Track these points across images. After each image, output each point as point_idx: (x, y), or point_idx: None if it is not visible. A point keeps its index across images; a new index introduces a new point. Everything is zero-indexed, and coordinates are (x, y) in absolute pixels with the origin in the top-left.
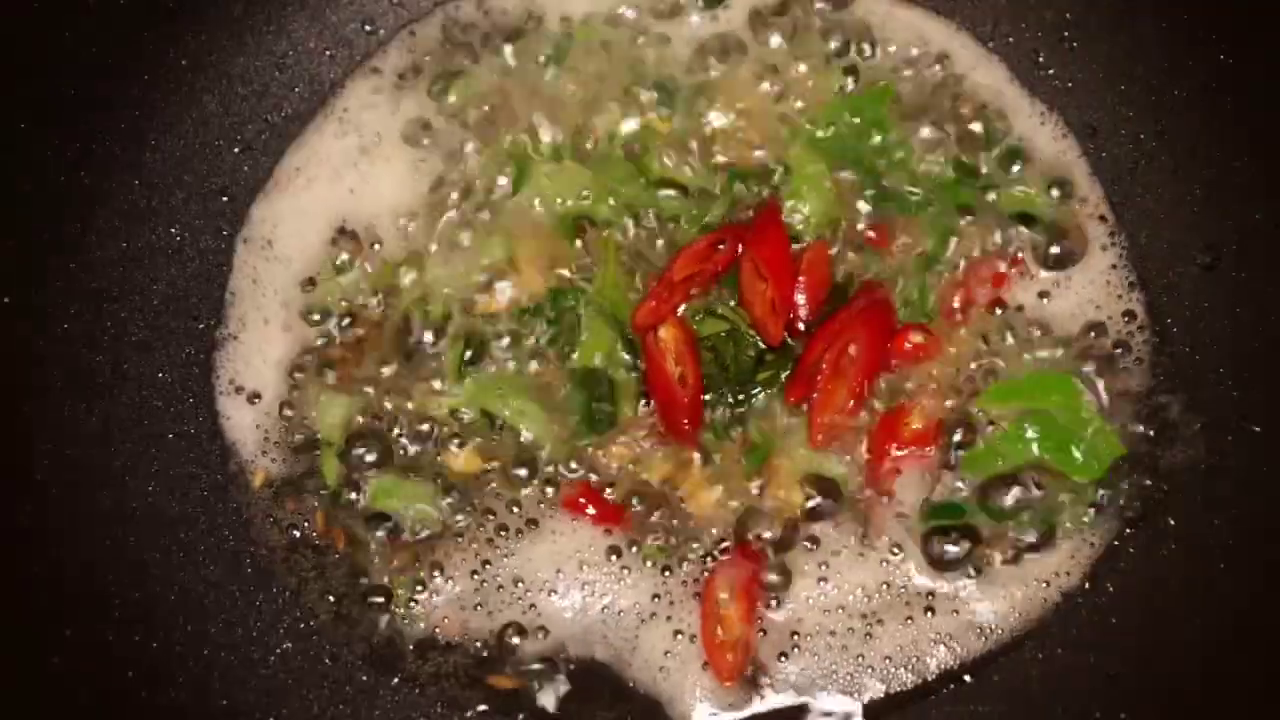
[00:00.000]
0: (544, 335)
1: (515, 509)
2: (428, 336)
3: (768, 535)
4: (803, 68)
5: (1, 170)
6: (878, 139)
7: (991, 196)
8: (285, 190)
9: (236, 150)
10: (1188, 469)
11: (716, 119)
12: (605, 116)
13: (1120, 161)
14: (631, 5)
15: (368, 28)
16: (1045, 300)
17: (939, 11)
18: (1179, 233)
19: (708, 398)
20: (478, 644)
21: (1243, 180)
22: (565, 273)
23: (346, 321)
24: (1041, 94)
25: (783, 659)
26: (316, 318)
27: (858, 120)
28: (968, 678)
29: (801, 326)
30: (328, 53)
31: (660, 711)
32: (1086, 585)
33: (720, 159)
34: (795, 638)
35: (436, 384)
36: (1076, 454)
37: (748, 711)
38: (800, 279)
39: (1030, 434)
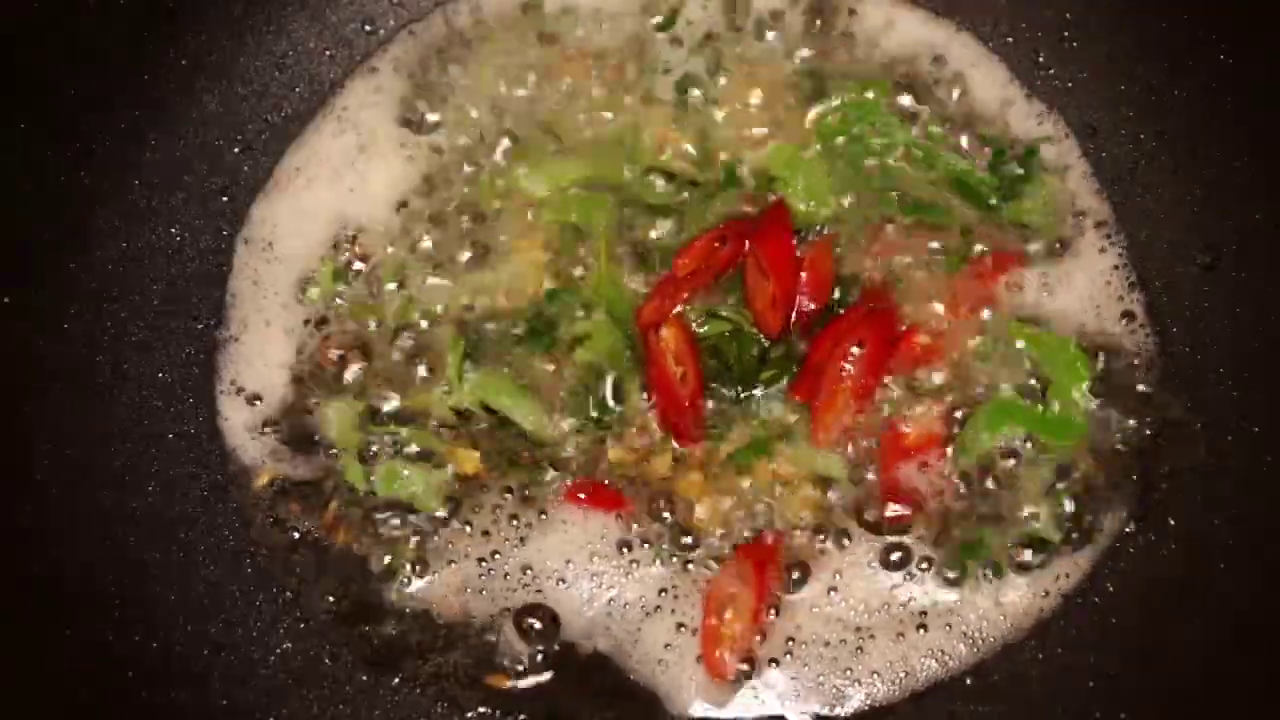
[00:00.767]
0: (544, 334)
1: (525, 501)
2: (428, 337)
3: (776, 535)
4: (799, 66)
5: (1, 170)
6: (875, 140)
7: (993, 200)
8: (285, 190)
9: (236, 150)
10: (1188, 469)
11: (714, 113)
12: (601, 109)
13: (1120, 161)
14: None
15: (368, 28)
16: (1046, 299)
17: (939, 12)
18: (1179, 233)
19: (710, 396)
20: (475, 629)
21: (1243, 180)
22: (564, 272)
23: (346, 323)
24: (1041, 94)
25: (773, 665)
26: (317, 320)
27: (853, 118)
28: (968, 678)
29: (804, 321)
30: (328, 53)
31: (657, 707)
32: (1086, 585)
33: (721, 156)
34: (791, 644)
35: (438, 383)
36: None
37: (743, 712)
38: (803, 274)
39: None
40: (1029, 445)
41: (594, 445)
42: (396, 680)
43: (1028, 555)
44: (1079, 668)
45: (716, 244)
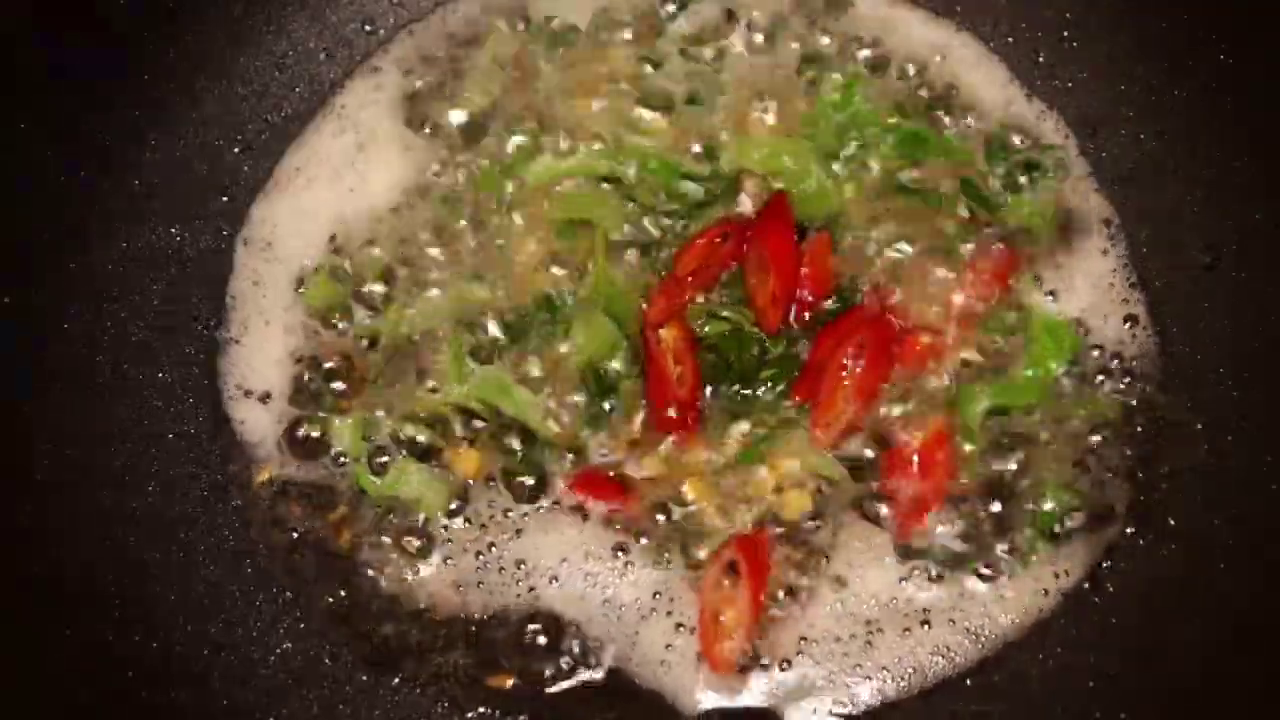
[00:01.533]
0: (543, 333)
1: (523, 497)
2: (428, 336)
3: (778, 531)
4: (797, 67)
5: (1, 170)
6: (871, 130)
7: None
8: (285, 190)
9: (236, 150)
10: (1188, 469)
11: (714, 112)
12: (602, 106)
13: (1120, 161)
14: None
15: (368, 28)
16: (1046, 299)
17: (939, 12)
18: (1179, 233)
19: (709, 396)
20: (476, 629)
21: (1243, 180)
22: (563, 271)
23: (346, 325)
24: (1041, 94)
25: (786, 665)
26: (318, 321)
27: (850, 115)
28: (968, 679)
29: (806, 317)
30: (327, 53)
31: (658, 707)
32: (1086, 585)
33: (722, 154)
34: (803, 642)
35: (438, 383)
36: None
37: (749, 701)
38: (803, 269)
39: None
40: (1032, 442)
41: (593, 444)
42: (396, 680)
43: (1029, 549)
44: (1079, 668)
45: (718, 240)
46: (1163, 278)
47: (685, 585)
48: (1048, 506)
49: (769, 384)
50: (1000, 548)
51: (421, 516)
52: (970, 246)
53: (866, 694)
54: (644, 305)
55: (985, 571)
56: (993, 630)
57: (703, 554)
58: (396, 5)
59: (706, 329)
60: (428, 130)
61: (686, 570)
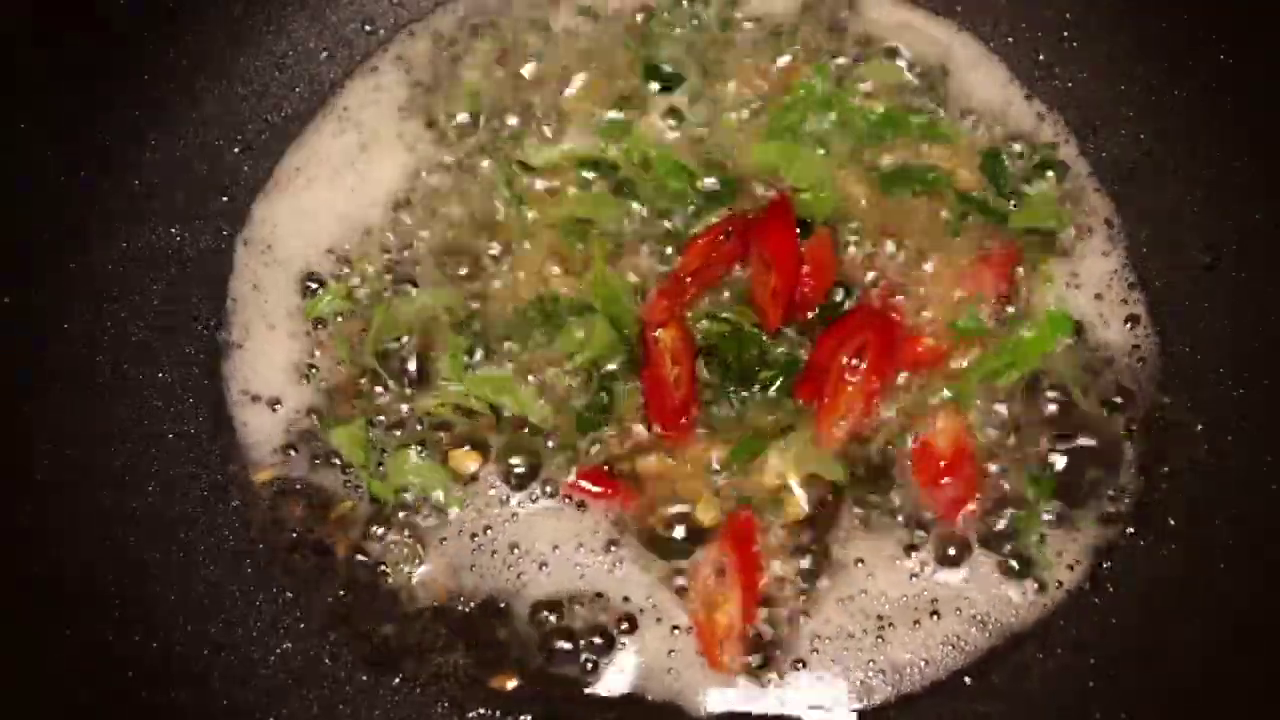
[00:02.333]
0: (543, 332)
1: (522, 496)
2: (428, 336)
3: (783, 531)
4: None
5: (1, 170)
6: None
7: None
8: (285, 190)
9: (236, 150)
10: (1188, 469)
11: (715, 112)
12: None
13: (1120, 161)
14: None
15: (368, 28)
16: (1047, 299)
17: (939, 11)
18: (1179, 233)
19: (708, 396)
20: (473, 623)
21: (1243, 180)
22: (563, 270)
23: (348, 324)
24: (1041, 94)
25: (798, 666)
26: (319, 321)
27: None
28: (968, 678)
29: (807, 315)
30: (327, 53)
31: (659, 707)
32: (1086, 585)
33: (722, 153)
34: (816, 641)
35: (438, 382)
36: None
37: (763, 702)
38: (805, 267)
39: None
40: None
41: (591, 443)
42: (396, 680)
43: (1028, 554)
44: (1079, 668)
45: (720, 238)
46: (1163, 278)
47: (682, 582)
48: (1046, 507)
49: (768, 385)
50: (1005, 548)
51: (421, 516)
52: (973, 240)
53: (880, 688)
54: (643, 305)
55: (991, 566)
56: (1000, 620)
57: (699, 554)
58: (396, 5)
59: (706, 329)
60: (429, 130)
61: (679, 570)
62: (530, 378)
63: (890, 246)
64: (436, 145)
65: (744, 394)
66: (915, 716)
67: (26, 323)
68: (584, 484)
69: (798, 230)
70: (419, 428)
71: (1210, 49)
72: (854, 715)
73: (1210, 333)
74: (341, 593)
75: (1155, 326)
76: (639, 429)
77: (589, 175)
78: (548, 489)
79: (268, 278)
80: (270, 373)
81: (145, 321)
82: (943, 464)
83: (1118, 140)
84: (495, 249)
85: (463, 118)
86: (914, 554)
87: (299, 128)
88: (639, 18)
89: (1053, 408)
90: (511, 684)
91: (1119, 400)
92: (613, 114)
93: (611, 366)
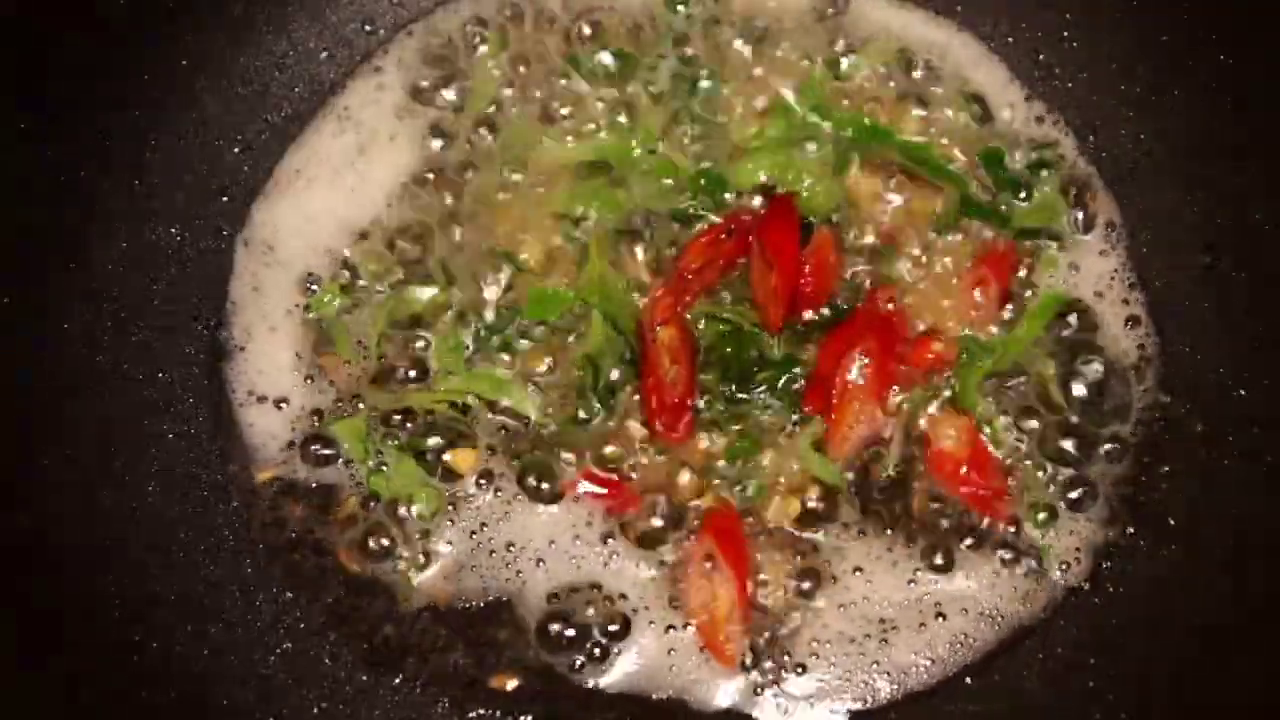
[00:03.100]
0: (541, 330)
1: (520, 495)
2: (427, 335)
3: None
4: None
5: (1, 170)
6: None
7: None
8: (286, 191)
9: (236, 150)
10: (1188, 469)
11: (714, 112)
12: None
13: (1120, 161)
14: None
15: (368, 28)
16: (1055, 281)
17: (939, 11)
18: (1179, 233)
19: (707, 396)
20: (473, 623)
21: (1243, 180)
22: (562, 269)
23: (348, 324)
24: (1041, 94)
25: (799, 670)
26: (319, 320)
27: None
28: (968, 679)
29: (809, 315)
30: (328, 53)
31: (660, 707)
32: (1086, 585)
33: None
34: (815, 644)
35: (437, 381)
36: None
37: (761, 703)
38: (806, 266)
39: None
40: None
41: (590, 442)
42: (396, 680)
43: (1033, 537)
44: (1079, 668)
45: (722, 236)
46: (1163, 278)
47: (672, 583)
48: (1045, 509)
49: (766, 385)
50: (1005, 548)
51: (421, 517)
52: (973, 241)
53: (882, 688)
54: (641, 304)
55: (991, 567)
56: (1000, 620)
57: (685, 547)
58: (396, 5)
59: (705, 329)
60: (428, 130)
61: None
62: (528, 376)
63: (890, 248)
64: (436, 145)
65: (743, 394)
66: (916, 716)
67: (26, 323)
68: (586, 485)
69: (799, 230)
70: (418, 424)
71: (1210, 49)
72: (854, 715)
73: (1210, 333)
74: (341, 593)
75: (1155, 326)
76: (638, 429)
77: (588, 174)
78: (544, 486)
79: (268, 278)
80: (273, 372)
81: (145, 321)
82: (963, 468)
83: (1118, 140)
84: (495, 248)
85: (463, 117)
86: (914, 554)
87: (299, 128)
88: (639, 17)
89: (1052, 408)
90: (511, 684)
91: (1119, 400)
92: (613, 114)
93: (610, 365)
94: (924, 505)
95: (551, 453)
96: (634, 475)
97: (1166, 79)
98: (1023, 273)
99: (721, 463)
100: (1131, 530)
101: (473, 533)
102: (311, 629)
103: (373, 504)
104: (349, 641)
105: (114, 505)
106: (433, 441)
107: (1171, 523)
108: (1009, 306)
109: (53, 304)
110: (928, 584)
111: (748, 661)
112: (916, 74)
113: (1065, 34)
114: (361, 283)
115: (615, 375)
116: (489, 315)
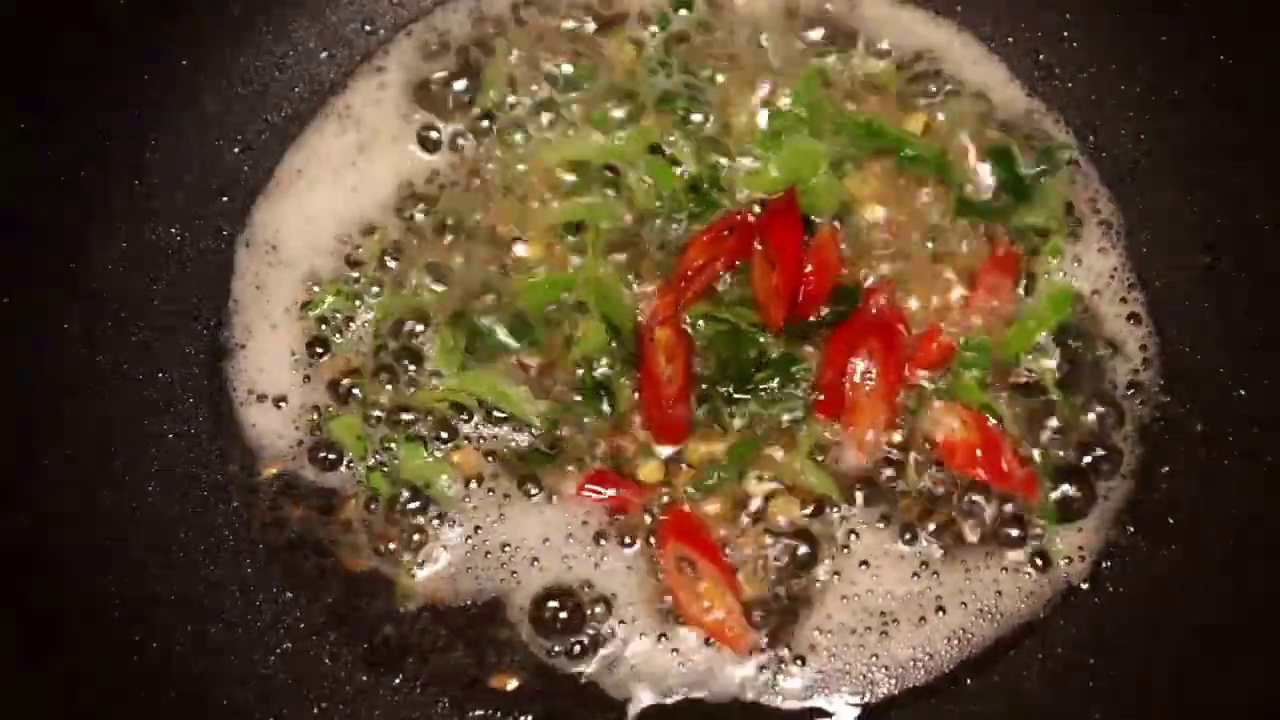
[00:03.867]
0: (538, 331)
1: (518, 496)
2: (426, 334)
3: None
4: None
5: (1, 170)
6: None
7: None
8: (287, 191)
9: (236, 150)
10: (1188, 469)
11: (715, 113)
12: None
13: (1120, 161)
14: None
15: (368, 28)
16: (1058, 275)
17: (939, 11)
18: (1179, 233)
19: (706, 397)
20: (472, 622)
21: (1243, 180)
22: (561, 269)
23: (350, 325)
24: (1041, 94)
25: (799, 662)
26: (320, 320)
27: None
28: (968, 678)
29: (808, 312)
30: (328, 53)
31: (657, 704)
32: (1086, 585)
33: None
34: (817, 634)
35: (435, 380)
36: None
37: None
38: (807, 265)
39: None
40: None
41: (588, 444)
42: (397, 680)
43: (1028, 553)
44: (1079, 668)
45: (724, 234)
46: (1163, 278)
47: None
48: (1045, 509)
49: (765, 386)
50: (1005, 547)
51: (421, 517)
52: (975, 241)
53: (881, 683)
54: (639, 304)
55: (991, 565)
56: (1001, 619)
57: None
58: (396, 5)
59: (704, 329)
60: (429, 130)
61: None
62: (526, 377)
63: (893, 248)
64: (437, 145)
65: (741, 395)
66: (916, 715)
67: (26, 323)
68: (592, 488)
69: (801, 228)
70: (416, 423)
71: (1210, 49)
72: (855, 711)
73: (1210, 333)
74: (341, 593)
75: (1155, 326)
76: (637, 430)
77: (589, 176)
78: (542, 487)
79: (269, 278)
80: (275, 372)
81: (145, 321)
82: (978, 451)
83: (1118, 140)
84: (495, 248)
85: (465, 117)
86: (915, 552)
87: (299, 128)
88: (639, 18)
89: (1051, 409)
90: (511, 684)
91: (1119, 400)
92: (614, 114)
93: (608, 366)
94: (924, 500)
95: (550, 454)
96: (634, 475)
97: (1166, 79)
98: (1023, 271)
99: (719, 463)
100: (1131, 530)
101: (468, 536)
102: (311, 629)
103: (373, 505)
104: (349, 641)
105: (114, 505)
106: (432, 440)
107: (1171, 522)
108: (1009, 304)
109: (53, 304)
110: (929, 579)
111: (763, 644)
112: (917, 74)
113: (1065, 34)
114: (361, 282)
115: (613, 376)
116: (488, 316)
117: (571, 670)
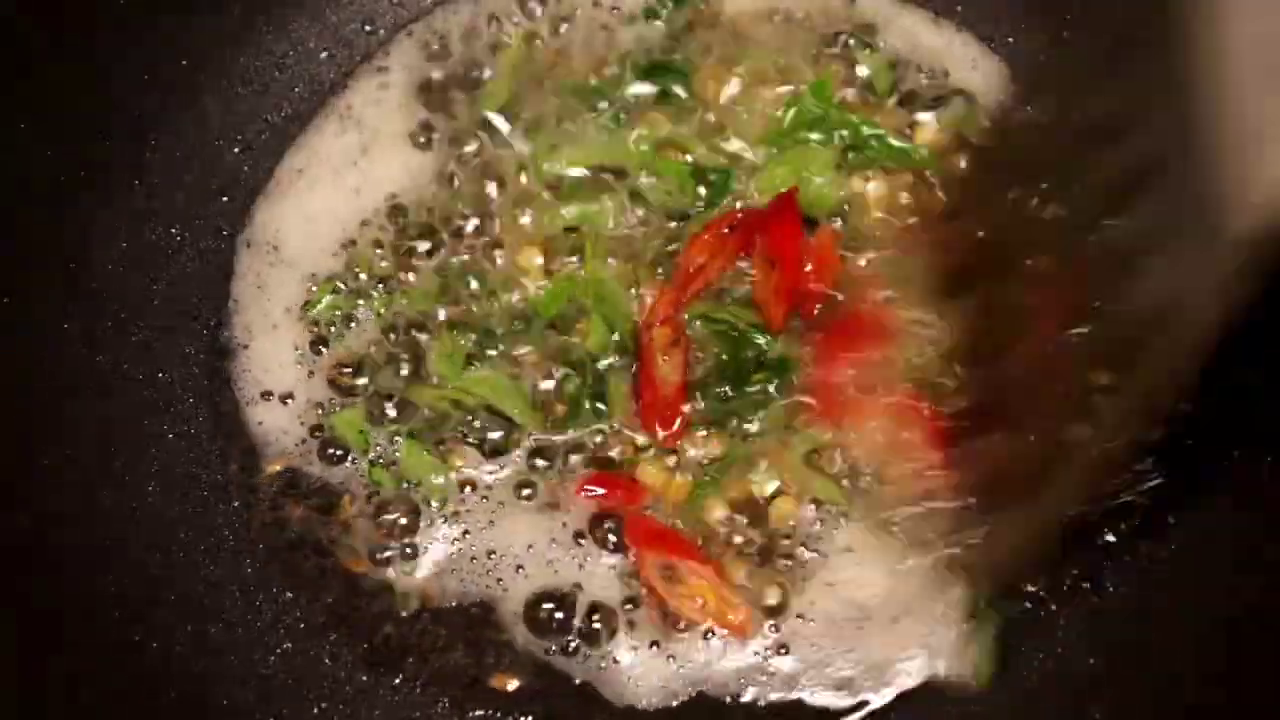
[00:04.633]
0: (537, 331)
1: (515, 494)
2: (425, 334)
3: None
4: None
5: (1, 170)
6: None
7: None
8: (287, 191)
9: (236, 150)
10: (1187, 469)
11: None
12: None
13: None
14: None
15: (368, 28)
16: None
17: (939, 11)
18: None
19: (705, 398)
20: (471, 622)
21: None
22: (559, 269)
23: (349, 323)
24: None
25: (783, 651)
26: (321, 320)
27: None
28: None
29: (809, 313)
30: (328, 53)
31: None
32: (1086, 585)
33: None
34: (798, 620)
35: (433, 380)
36: None
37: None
38: (808, 265)
39: None
40: None
41: (587, 443)
42: (397, 680)
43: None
44: (1079, 668)
45: (725, 231)
46: None
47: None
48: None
49: (763, 387)
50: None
51: (421, 516)
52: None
53: (866, 684)
54: (638, 305)
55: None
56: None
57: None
58: (396, 5)
59: (702, 329)
60: (430, 130)
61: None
62: (524, 378)
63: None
64: (438, 145)
65: (737, 395)
66: (914, 715)
67: (26, 323)
68: (591, 489)
69: (802, 227)
70: (416, 420)
71: None
72: (855, 712)
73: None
74: (341, 593)
75: None
76: (636, 430)
77: (592, 177)
78: (540, 488)
79: (270, 278)
80: (277, 371)
81: (145, 321)
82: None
83: None
84: (495, 249)
85: (466, 118)
86: (910, 542)
87: (299, 128)
88: (639, 18)
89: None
90: (512, 684)
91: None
92: (614, 114)
93: (607, 367)
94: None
95: (549, 454)
96: (634, 476)
97: None
98: None
99: (717, 463)
100: (1131, 530)
101: (465, 533)
102: (311, 629)
103: (373, 502)
104: (349, 641)
105: (114, 505)
106: (432, 439)
107: (1171, 522)
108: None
109: (53, 304)
110: (924, 573)
111: (765, 629)
112: (916, 74)
113: (1065, 34)
114: (362, 282)
115: (612, 377)
116: (488, 317)
117: (571, 670)
